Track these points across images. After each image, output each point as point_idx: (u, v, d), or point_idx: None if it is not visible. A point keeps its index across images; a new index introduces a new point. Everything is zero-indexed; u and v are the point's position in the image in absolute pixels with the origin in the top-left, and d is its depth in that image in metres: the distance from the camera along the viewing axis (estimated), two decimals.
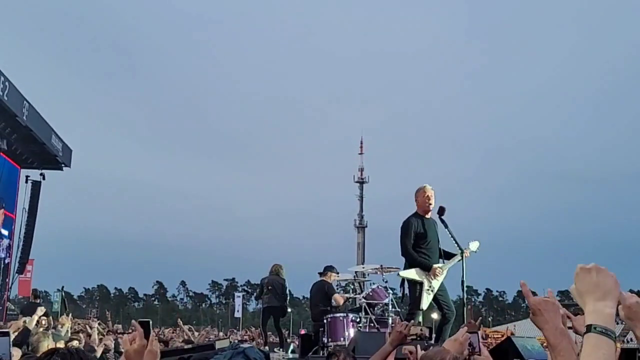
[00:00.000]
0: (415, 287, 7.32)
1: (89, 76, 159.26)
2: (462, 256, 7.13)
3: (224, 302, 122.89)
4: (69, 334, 8.48)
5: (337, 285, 10.12)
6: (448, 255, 7.49)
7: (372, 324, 8.41)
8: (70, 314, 12.19)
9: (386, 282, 8.91)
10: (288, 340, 12.43)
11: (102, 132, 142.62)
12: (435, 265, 7.30)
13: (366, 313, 8.49)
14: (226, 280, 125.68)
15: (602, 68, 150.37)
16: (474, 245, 7.49)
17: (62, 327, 8.74)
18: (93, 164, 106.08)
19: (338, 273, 9.75)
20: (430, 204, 7.42)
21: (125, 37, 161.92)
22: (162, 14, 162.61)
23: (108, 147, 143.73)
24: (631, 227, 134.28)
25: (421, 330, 3.67)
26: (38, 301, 13.33)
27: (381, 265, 9.19)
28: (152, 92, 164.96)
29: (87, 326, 12.14)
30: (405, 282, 7.53)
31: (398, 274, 7.83)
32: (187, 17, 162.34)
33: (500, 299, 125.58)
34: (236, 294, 79.01)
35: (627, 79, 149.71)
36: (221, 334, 29.21)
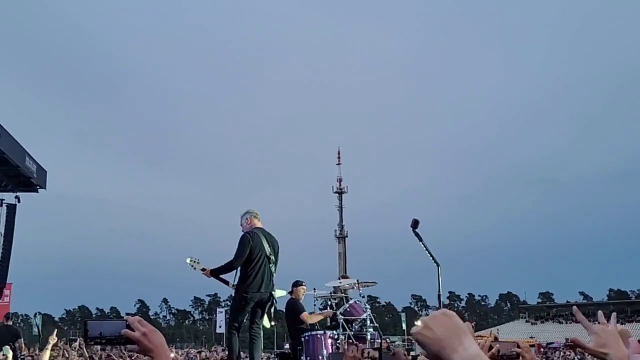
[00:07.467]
0: None
1: (60, 97, 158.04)
2: (438, 271, 6.98)
3: (207, 317, 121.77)
4: None
5: (316, 301, 9.89)
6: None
7: (351, 340, 8.34)
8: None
9: (363, 297, 8.90)
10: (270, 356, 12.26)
11: (75, 153, 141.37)
12: None
13: (344, 329, 8.45)
14: (209, 295, 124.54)
15: (547, 71, 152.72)
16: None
17: None
18: (69, 185, 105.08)
19: (304, 285, 9.30)
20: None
21: (98, 58, 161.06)
22: (133, 35, 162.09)
23: (82, 167, 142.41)
24: (601, 229, 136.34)
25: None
26: (9, 323, 13.01)
27: (357, 280, 9.17)
28: (126, 112, 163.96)
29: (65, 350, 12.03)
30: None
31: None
32: (161, 38, 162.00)
33: (483, 303, 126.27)
34: (218, 309, 78.19)
35: (572, 82, 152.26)
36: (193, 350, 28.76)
